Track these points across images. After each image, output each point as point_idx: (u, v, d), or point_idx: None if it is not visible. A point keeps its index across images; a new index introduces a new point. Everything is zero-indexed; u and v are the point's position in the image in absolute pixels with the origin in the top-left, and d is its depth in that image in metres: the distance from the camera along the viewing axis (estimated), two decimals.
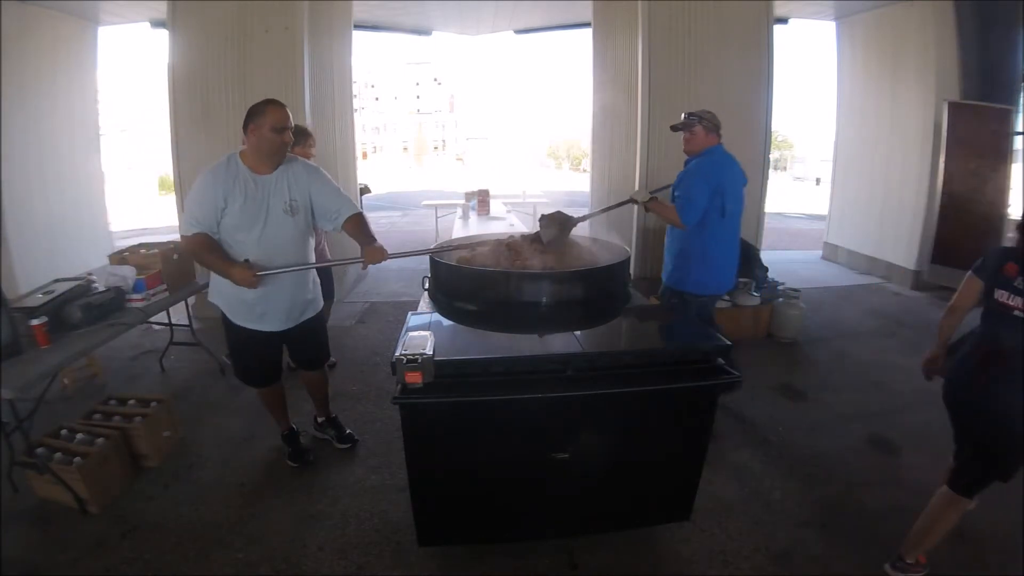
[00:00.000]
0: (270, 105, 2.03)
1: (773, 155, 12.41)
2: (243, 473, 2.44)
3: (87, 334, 2.36)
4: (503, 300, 1.91)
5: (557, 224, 2.20)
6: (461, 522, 1.79)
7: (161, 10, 4.42)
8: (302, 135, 3.00)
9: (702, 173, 2.54)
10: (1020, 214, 4.83)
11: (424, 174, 36.19)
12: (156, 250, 3.04)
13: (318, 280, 2.39)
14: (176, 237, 3.22)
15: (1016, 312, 1.51)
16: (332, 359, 3.31)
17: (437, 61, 65.57)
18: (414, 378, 1.46)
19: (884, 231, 5.73)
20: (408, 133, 64.68)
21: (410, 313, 1.91)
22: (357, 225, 2.19)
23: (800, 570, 1.87)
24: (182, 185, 4.20)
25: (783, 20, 6.08)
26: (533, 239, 2.20)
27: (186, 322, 3.57)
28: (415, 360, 1.45)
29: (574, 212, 2.36)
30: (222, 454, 2.58)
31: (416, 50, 62.69)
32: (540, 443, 1.62)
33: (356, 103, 6.06)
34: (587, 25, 6.01)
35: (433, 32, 7.44)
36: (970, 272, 1.69)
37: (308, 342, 2.41)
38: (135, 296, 2.75)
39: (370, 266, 2.20)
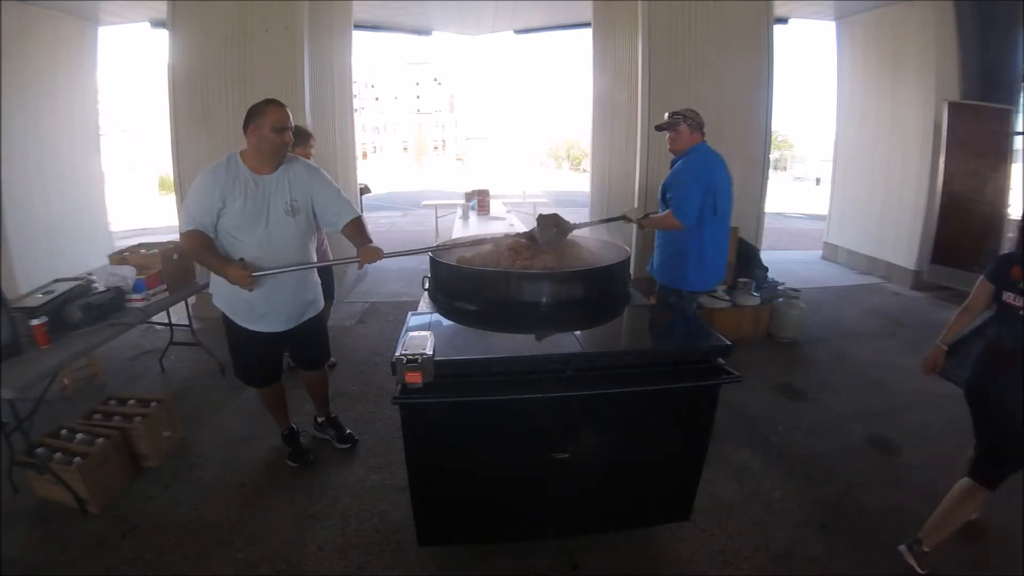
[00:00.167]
0: (270, 105, 2.03)
1: (773, 155, 12.43)
2: (243, 473, 2.44)
3: (87, 334, 2.36)
4: (503, 300, 1.91)
5: (553, 226, 2.20)
6: (461, 522, 1.79)
7: (161, 10, 4.42)
8: (303, 136, 3.00)
9: (693, 172, 2.56)
10: (1020, 214, 4.84)
11: (424, 174, 36.20)
12: (156, 250, 3.04)
13: (319, 280, 2.39)
14: (176, 237, 3.23)
15: (1021, 312, 1.62)
16: (332, 359, 3.32)
17: (437, 61, 65.60)
18: (414, 378, 1.46)
19: (884, 231, 5.73)
20: (408, 133, 64.69)
21: (410, 313, 1.91)
22: (355, 228, 2.19)
23: (800, 570, 1.87)
24: (182, 185, 4.20)
25: (783, 20, 6.08)
26: (527, 239, 2.20)
27: (186, 322, 3.57)
28: (415, 360, 1.45)
29: (573, 212, 2.37)
30: (222, 454, 2.58)
31: (416, 50, 62.81)
32: (540, 443, 1.62)
33: (356, 103, 6.06)
34: (587, 25, 6.01)
35: (433, 32, 7.44)
36: (981, 276, 1.80)
37: (309, 342, 2.41)
38: (135, 296, 2.75)
39: (369, 267, 2.20)
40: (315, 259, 2.34)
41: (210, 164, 2.07)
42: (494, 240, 2.29)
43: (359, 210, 2.48)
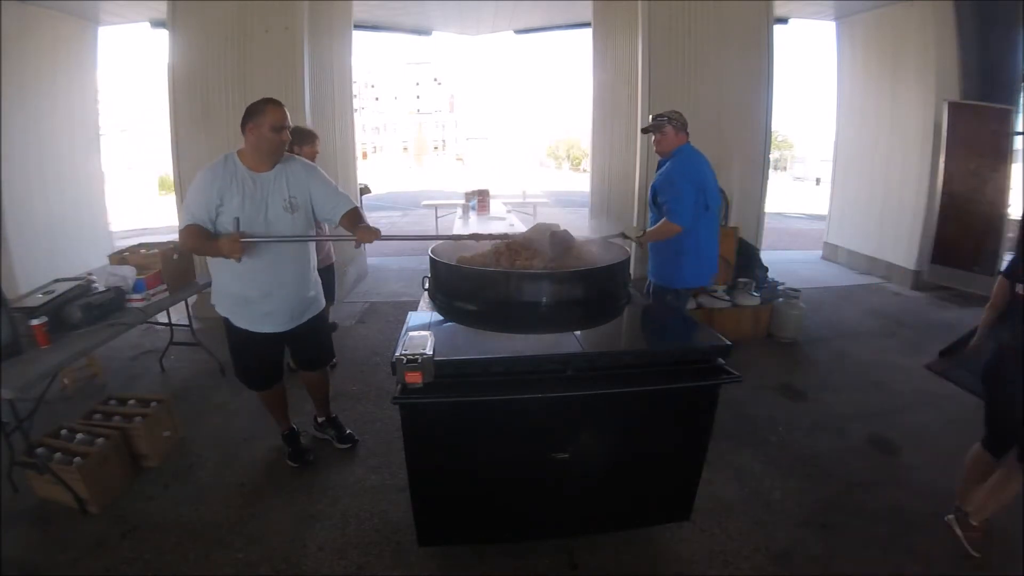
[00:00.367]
0: (269, 104, 2.04)
1: (773, 155, 12.42)
2: (243, 473, 2.44)
3: (87, 334, 2.36)
4: (503, 300, 1.91)
5: (562, 242, 2.13)
6: (461, 522, 1.79)
7: (161, 10, 4.42)
8: (308, 136, 3.00)
9: (684, 173, 2.62)
10: (1020, 214, 4.85)
11: (424, 174, 36.21)
12: (156, 250, 3.04)
13: (319, 279, 2.39)
14: (176, 237, 3.23)
15: None
16: (334, 359, 3.31)
17: (437, 61, 65.60)
18: (414, 378, 1.46)
19: (884, 231, 5.73)
20: (408, 133, 64.68)
21: (410, 313, 1.91)
22: (352, 217, 2.20)
23: (800, 570, 1.87)
24: (182, 185, 4.20)
25: (783, 20, 6.08)
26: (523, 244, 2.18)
27: (186, 322, 3.57)
28: (415, 360, 1.45)
29: (573, 212, 2.38)
30: (222, 454, 2.58)
31: (416, 50, 62.82)
32: (540, 443, 1.62)
33: (356, 103, 6.06)
34: (587, 25, 6.01)
35: (433, 32, 7.43)
36: (999, 274, 1.96)
37: (310, 342, 2.41)
38: (135, 296, 2.75)
39: (370, 267, 2.21)
40: (315, 256, 2.35)
41: (208, 164, 2.08)
42: (492, 237, 2.29)
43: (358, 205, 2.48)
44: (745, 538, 2.00)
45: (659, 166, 2.78)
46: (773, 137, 5.72)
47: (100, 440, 2.28)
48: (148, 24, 5.61)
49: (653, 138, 2.73)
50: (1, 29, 4.11)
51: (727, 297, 4.07)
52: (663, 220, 2.63)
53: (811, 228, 9.73)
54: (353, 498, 2.25)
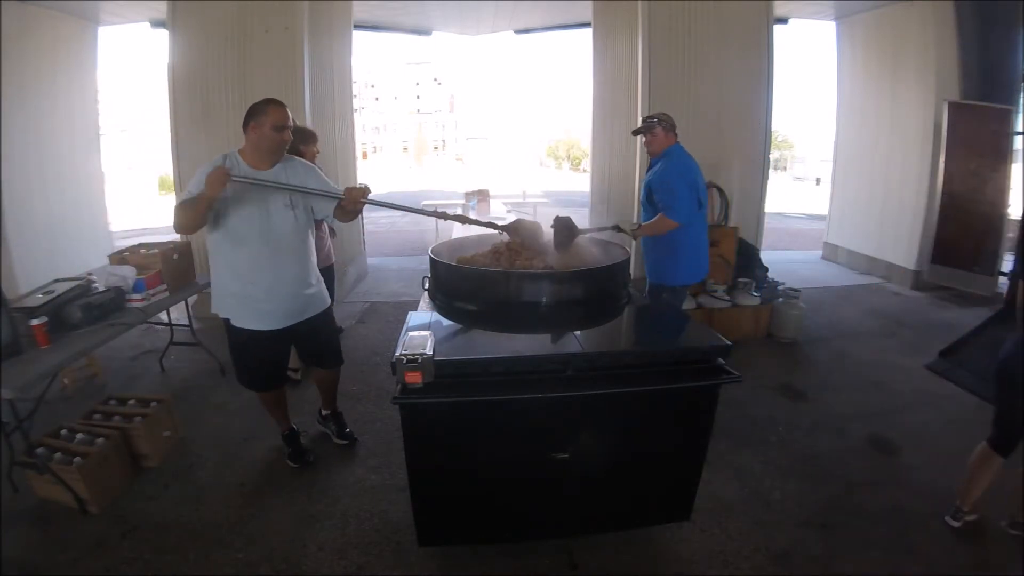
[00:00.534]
0: (271, 104, 2.06)
1: (773, 155, 12.42)
2: (243, 473, 2.44)
3: (87, 334, 2.36)
4: (503, 300, 1.91)
5: (566, 228, 2.25)
6: (461, 522, 1.79)
7: (161, 10, 4.42)
8: (308, 136, 3.00)
9: (677, 172, 2.71)
10: (1020, 214, 4.85)
11: (424, 174, 36.21)
12: (156, 250, 3.04)
13: (321, 276, 2.40)
14: (176, 237, 3.22)
15: None
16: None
17: (437, 61, 65.58)
18: (414, 378, 1.46)
19: (884, 231, 5.73)
20: (408, 133, 64.67)
21: (410, 313, 1.91)
22: (339, 206, 2.19)
23: (800, 570, 1.87)
24: (182, 185, 4.19)
25: (783, 20, 6.08)
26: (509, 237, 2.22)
27: (186, 322, 3.57)
28: (415, 360, 1.45)
29: (573, 212, 2.41)
30: (222, 454, 2.58)
31: (416, 50, 62.83)
32: (540, 443, 1.62)
33: (356, 103, 6.06)
34: (587, 25, 6.01)
35: (433, 32, 7.43)
36: (1021, 281, 2.06)
37: (311, 340, 2.40)
38: (135, 296, 2.75)
39: (370, 267, 2.22)
40: (315, 252, 2.35)
41: (207, 162, 2.08)
42: (478, 223, 2.32)
43: None
44: (745, 538, 2.00)
45: (650, 166, 2.88)
46: (773, 137, 5.72)
47: (100, 440, 2.28)
48: (148, 24, 5.61)
49: (644, 139, 2.83)
50: (1, 29, 4.11)
51: (727, 297, 4.07)
52: (659, 216, 2.70)
53: (811, 228, 9.73)
54: (353, 498, 2.25)
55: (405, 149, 63.31)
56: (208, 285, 2.28)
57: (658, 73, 4.56)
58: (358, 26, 5.85)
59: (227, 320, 2.22)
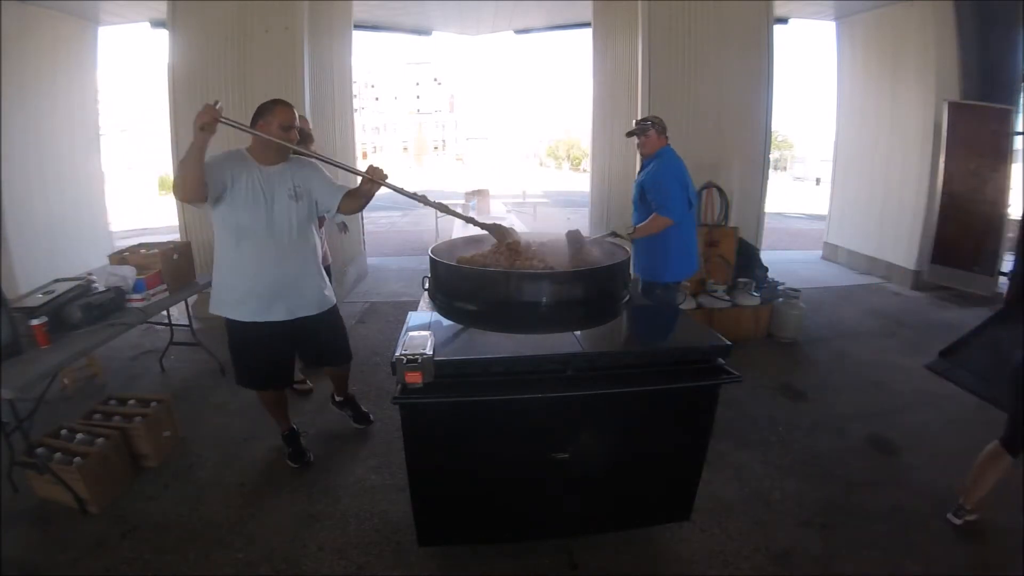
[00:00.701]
0: (279, 105, 2.10)
1: (773, 155, 12.43)
2: (243, 473, 2.44)
3: (87, 334, 2.37)
4: (503, 300, 1.91)
5: (576, 242, 2.33)
6: (461, 522, 1.79)
7: (161, 10, 4.42)
8: (306, 137, 3.00)
9: (670, 172, 2.79)
10: (1020, 214, 4.85)
11: (424, 174, 36.23)
12: (156, 250, 3.04)
13: (325, 274, 2.40)
14: (177, 237, 3.24)
15: None
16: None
17: (437, 61, 65.56)
18: (414, 378, 1.46)
19: (884, 231, 5.73)
20: (408, 133, 64.66)
21: (410, 313, 1.91)
22: (351, 192, 2.26)
23: (800, 570, 1.87)
24: None
25: (783, 20, 6.08)
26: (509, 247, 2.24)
27: (186, 322, 3.57)
28: (415, 360, 1.45)
29: (573, 212, 2.41)
30: (222, 454, 2.58)
31: (416, 50, 62.82)
32: (540, 443, 1.62)
33: (356, 103, 6.06)
34: (587, 25, 6.01)
35: (433, 32, 7.43)
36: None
37: (311, 340, 2.39)
38: (135, 296, 2.75)
39: (370, 267, 2.23)
40: (318, 245, 2.37)
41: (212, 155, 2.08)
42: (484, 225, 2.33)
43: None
44: (745, 538, 2.00)
45: (642, 167, 2.96)
46: (773, 137, 5.72)
47: (100, 440, 2.28)
48: (148, 24, 5.61)
49: (638, 141, 2.92)
50: (1, 29, 4.11)
51: (727, 297, 4.07)
52: (653, 215, 2.74)
53: (811, 228, 9.73)
54: (353, 498, 2.25)
55: (405, 149, 63.32)
56: (208, 285, 2.28)
57: (658, 73, 4.56)
58: (358, 26, 5.85)
59: (227, 319, 2.22)
